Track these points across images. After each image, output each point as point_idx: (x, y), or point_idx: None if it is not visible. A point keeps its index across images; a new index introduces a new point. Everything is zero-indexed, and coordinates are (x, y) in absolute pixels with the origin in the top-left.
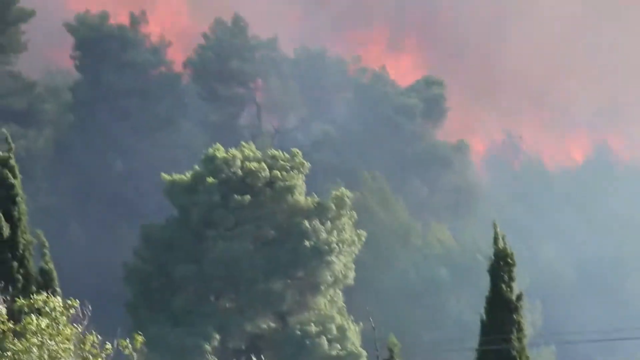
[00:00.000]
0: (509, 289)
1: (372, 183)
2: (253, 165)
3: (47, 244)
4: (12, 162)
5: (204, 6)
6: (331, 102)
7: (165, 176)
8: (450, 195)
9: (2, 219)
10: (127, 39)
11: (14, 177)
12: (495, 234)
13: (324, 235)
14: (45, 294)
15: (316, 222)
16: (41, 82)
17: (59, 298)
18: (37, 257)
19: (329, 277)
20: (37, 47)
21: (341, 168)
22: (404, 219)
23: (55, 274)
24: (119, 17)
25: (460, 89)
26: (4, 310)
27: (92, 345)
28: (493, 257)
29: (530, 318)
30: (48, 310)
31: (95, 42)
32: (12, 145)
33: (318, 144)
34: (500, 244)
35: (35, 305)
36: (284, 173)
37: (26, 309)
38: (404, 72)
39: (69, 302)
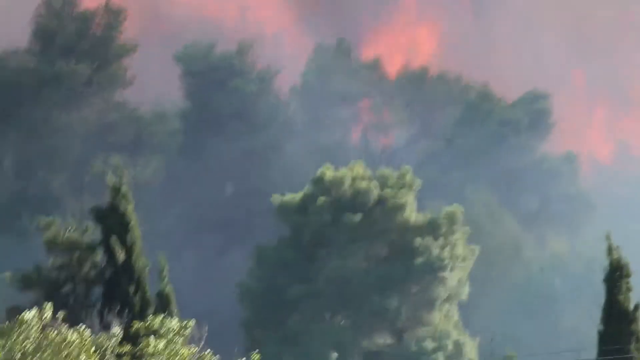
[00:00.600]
0: (626, 300)
1: (477, 197)
2: (364, 184)
3: (166, 267)
4: (125, 189)
5: (310, 31)
6: (437, 119)
7: (277, 197)
8: (562, 206)
9: (117, 244)
10: (234, 67)
11: (127, 203)
12: (609, 244)
13: (436, 251)
14: (161, 316)
15: (428, 239)
16: (149, 112)
17: (175, 319)
18: (152, 281)
19: (443, 293)
20: (144, 78)
21: (448, 185)
22: (515, 232)
23: (173, 297)
24: (226, 46)
25: (568, 98)
26: (121, 334)
27: None
28: (608, 268)
29: None
30: (164, 332)
31: (204, 70)
32: (124, 172)
33: (425, 161)
34: (615, 255)
35: (152, 328)
36: (394, 191)
37: (143, 332)
38: (509, 86)
39: (185, 323)
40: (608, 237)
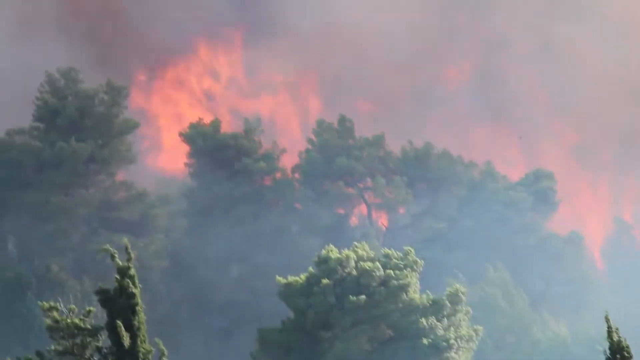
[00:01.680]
0: None
1: (494, 275)
2: (367, 265)
3: (166, 352)
4: (132, 271)
5: (311, 112)
6: (441, 198)
7: (280, 279)
8: (566, 287)
9: (123, 328)
10: (240, 146)
11: (134, 286)
12: (609, 326)
13: (441, 332)
14: None
15: (432, 320)
16: (153, 191)
17: None
18: None
19: None
20: (148, 156)
21: (452, 263)
22: (525, 312)
23: None
24: (232, 125)
25: (571, 178)
26: None
27: None
28: (609, 350)
29: None
30: None
31: (209, 149)
32: (132, 254)
33: (429, 240)
34: (615, 337)
35: None
36: (398, 272)
37: None
38: (511, 165)
39: None
40: (607, 319)
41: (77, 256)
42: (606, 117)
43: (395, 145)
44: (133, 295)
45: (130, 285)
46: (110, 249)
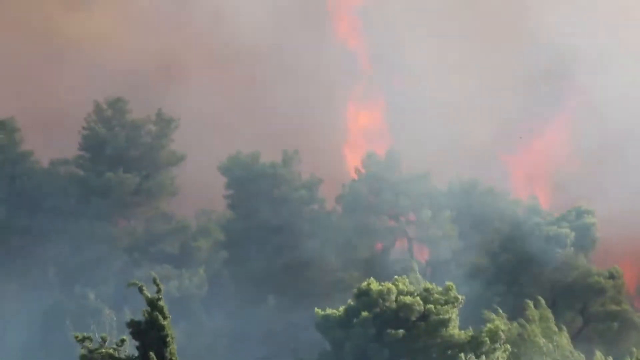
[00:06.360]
0: None
1: (534, 312)
2: (407, 299)
3: None
4: (162, 303)
5: (357, 144)
6: (483, 233)
7: (318, 311)
8: (606, 324)
9: (155, 359)
10: (279, 177)
11: (164, 318)
12: None
13: None
14: None
15: (471, 356)
16: (194, 223)
17: None
18: None
19: None
20: (189, 188)
21: (492, 299)
22: (567, 349)
23: None
24: (271, 156)
25: (611, 216)
26: None
27: None
28: None
29: None
30: None
31: (248, 180)
32: (161, 286)
33: (469, 275)
34: None
35: None
36: (438, 307)
37: None
38: (553, 201)
39: None
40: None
41: (117, 286)
42: None
43: (441, 182)
44: (163, 327)
45: (160, 317)
46: (138, 282)
